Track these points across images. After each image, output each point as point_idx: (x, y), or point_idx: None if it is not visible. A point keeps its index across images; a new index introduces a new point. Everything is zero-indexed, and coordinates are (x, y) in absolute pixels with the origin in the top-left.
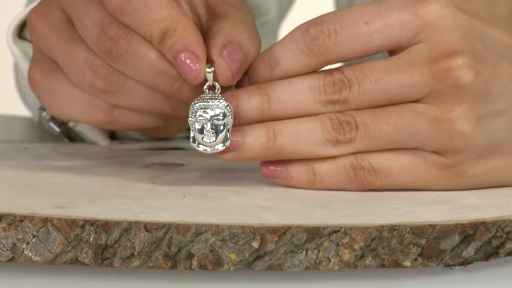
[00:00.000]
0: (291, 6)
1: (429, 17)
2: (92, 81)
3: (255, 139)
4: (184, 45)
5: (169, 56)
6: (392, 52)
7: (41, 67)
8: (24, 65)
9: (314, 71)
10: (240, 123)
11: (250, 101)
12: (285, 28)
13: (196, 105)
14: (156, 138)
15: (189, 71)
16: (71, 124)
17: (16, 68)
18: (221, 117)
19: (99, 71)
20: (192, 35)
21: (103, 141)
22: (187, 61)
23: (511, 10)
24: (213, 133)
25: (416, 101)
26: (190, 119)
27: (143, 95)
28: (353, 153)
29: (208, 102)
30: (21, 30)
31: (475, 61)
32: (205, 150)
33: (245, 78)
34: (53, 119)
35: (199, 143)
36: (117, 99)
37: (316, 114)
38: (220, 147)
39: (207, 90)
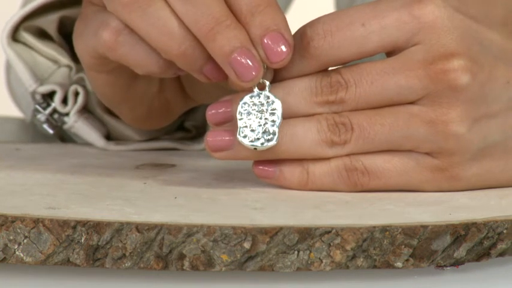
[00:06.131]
0: (287, 9)
1: (426, 18)
2: None
3: None
4: (275, 25)
5: (256, 32)
6: (389, 53)
7: (80, 20)
8: (19, 68)
9: (312, 73)
10: None
11: None
12: None
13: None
14: (149, 138)
15: (273, 53)
16: (66, 126)
17: (8, 70)
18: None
19: None
20: (283, 15)
21: (99, 142)
22: (272, 44)
23: (507, 13)
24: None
25: (411, 103)
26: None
27: None
28: (347, 155)
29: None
30: (15, 32)
31: (472, 63)
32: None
33: None
34: (47, 121)
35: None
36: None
37: (312, 115)
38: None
39: (256, 88)
